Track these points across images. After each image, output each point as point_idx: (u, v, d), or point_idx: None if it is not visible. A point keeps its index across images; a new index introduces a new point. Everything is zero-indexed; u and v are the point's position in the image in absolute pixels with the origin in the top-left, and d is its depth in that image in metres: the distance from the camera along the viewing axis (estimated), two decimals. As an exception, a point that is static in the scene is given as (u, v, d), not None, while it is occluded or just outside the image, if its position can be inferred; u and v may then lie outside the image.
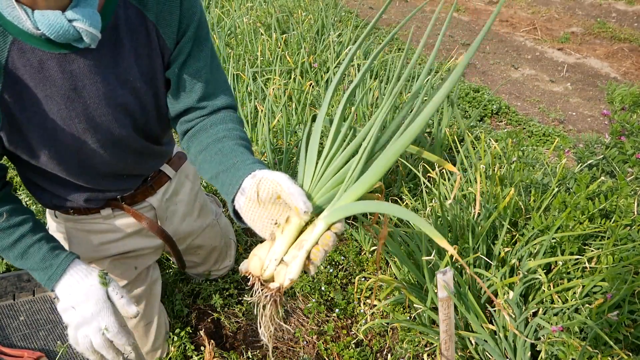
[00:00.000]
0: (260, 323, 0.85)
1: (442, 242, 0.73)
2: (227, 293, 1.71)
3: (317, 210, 0.86)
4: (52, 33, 0.86)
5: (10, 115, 0.95)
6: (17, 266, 1.04)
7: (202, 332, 1.49)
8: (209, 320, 1.63)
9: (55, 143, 1.02)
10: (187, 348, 1.50)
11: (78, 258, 1.03)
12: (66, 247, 1.28)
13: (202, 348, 1.51)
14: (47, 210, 1.34)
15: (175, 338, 1.49)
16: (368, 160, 0.86)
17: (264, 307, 0.83)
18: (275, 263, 0.82)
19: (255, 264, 0.83)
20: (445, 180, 1.86)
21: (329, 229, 0.82)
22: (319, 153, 0.91)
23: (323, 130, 0.85)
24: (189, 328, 1.55)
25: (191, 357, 1.49)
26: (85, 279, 0.99)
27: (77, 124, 1.01)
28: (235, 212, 0.89)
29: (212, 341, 1.44)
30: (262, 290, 0.82)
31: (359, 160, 0.85)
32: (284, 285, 0.81)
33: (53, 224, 1.34)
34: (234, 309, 1.67)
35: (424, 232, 1.02)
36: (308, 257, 0.82)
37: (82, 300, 0.97)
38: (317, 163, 0.90)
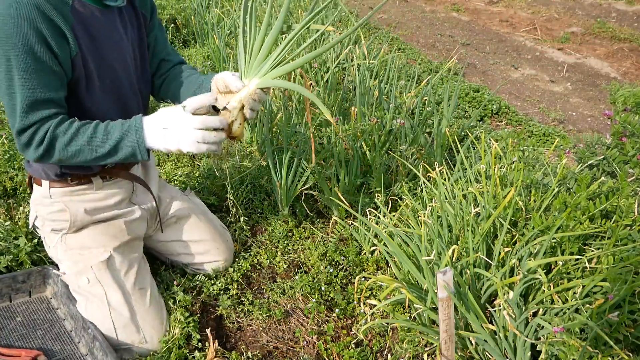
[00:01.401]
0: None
1: (329, 115, 1.21)
2: (229, 293, 1.71)
3: (249, 80, 1.35)
4: None
5: (79, 45, 1.30)
6: (106, 150, 1.31)
7: (208, 332, 1.49)
8: (212, 317, 1.63)
9: (100, 73, 1.38)
10: (192, 336, 1.50)
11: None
12: (65, 217, 1.51)
13: (206, 344, 1.51)
14: (38, 193, 1.54)
15: (182, 319, 1.52)
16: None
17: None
18: (237, 124, 1.35)
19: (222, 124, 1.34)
20: (445, 180, 1.86)
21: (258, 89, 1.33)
22: (245, 50, 1.38)
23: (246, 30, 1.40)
24: (196, 317, 1.57)
25: (195, 347, 1.49)
26: (160, 113, 1.33)
27: (113, 58, 1.41)
28: (213, 107, 1.37)
29: (216, 340, 1.44)
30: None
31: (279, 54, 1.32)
32: (234, 135, 1.36)
33: (48, 201, 1.52)
34: (236, 309, 1.67)
35: (325, 116, 1.47)
36: (243, 108, 1.33)
37: (168, 121, 1.31)
38: (245, 59, 1.37)
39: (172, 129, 1.30)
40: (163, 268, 1.81)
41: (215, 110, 1.38)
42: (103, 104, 1.42)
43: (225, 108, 1.33)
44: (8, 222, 1.81)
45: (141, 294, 1.52)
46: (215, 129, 1.30)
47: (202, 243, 1.75)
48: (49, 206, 1.51)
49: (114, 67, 1.41)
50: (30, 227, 1.65)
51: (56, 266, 1.60)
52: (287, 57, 1.34)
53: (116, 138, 1.30)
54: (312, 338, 1.60)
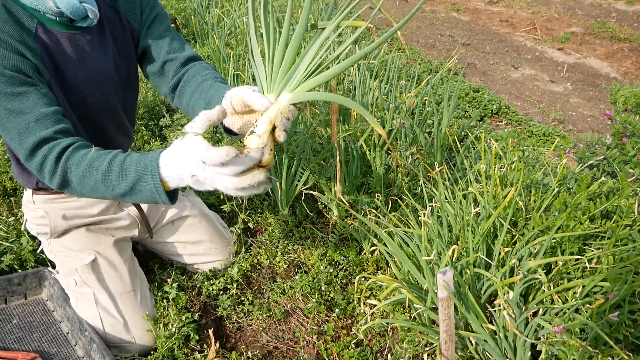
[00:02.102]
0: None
1: (381, 131, 1.06)
2: (229, 293, 1.71)
3: (277, 95, 1.11)
4: (68, 9, 1.22)
5: (48, 70, 1.25)
6: (122, 192, 1.08)
7: (210, 332, 1.49)
8: (212, 319, 1.63)
9: (69, 100, 1.32)
10: (191, 337, 1.50)
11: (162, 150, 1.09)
12: (46, 222, 1.52)
13: (205, 344, 1.51)
14: (25, 198, 1.57)
15: (181, 319, 1.51)
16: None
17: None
18: (267, 150, 1.05)
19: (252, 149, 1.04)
20: (445, 180, 1.86)
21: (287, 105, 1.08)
22: (262, 60, 1.16)
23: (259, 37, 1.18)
24: (197, 316, 1.57)
25: (195, 349, 1.49)
26: (177, 147, 1.02)
27: (81, 87, 1.34)
28: (226, 129, 1.19)
29: (217, 342, 1.44)
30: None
31: (309, 65, 1.10)
32: (263, 164, 1.04)
33: (31, 207, 1.55)
34: (236, 309, 1.67)
35: (374, 128, 1.32)
36: (274, 129, 1.06)
37: (187, 151, 1.00)
38: (264, 65, 1.14)
39: (197, 176, 1.01)
40: (157, 267, 1.81)
41: (228, 133, 1.17)
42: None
43: (252, 132, 1.05)
44: (12, 219, 1.82)
45: (129, 296, 1.52)
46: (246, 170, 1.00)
47: (200, 244, 1.75)
48: (33, 211, 1.55)
49: (82, 93, 1.35)
50: (23, 228, 1.68)
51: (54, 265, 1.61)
52: (321, 63, 1.11)
53: (132, 179, 1.06)
54: (312, 338, 1.60)
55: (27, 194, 1.55)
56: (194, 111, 1.31)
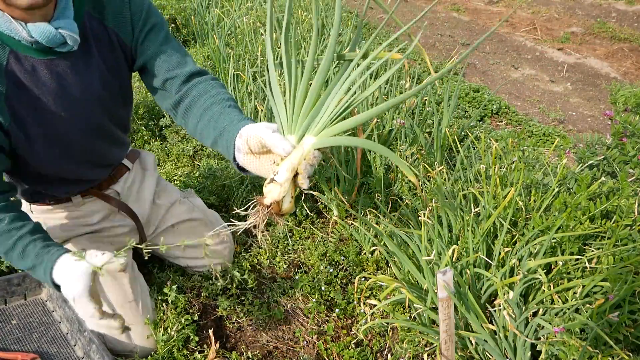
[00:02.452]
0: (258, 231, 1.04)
1: (413, 178, 0.99)
2: (228, 293, 1.71)
3: (299, 137, 1.04)
4: (43, 39, 1.12)
5: (14, 112, 1.17)
6: (21, 268, 1.21)
7: (210, 332, 1.49)
8: (212, 319, 1.63)
9: (46, 131, 1.24)
10: (190, 338, 1.50)
11: (67, 252, 1.18)
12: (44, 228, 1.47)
13: (205, 345, 1.51)
14: (24, 209, 1.50)
15: (180, 320, 1.51)
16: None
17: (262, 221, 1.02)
18: (288, 199, 1.01)
19: (271, 196, 1.01)
20: (445, 180, 1.86)
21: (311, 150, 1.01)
22: (282, 94, 1.07)
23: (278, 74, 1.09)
24: (196, 316, 1.57)
25: (194, 350, 1.49)
26: (72, 264, 1.14)
27: (62, 113, 1.24)
28: (240, 167, 1.11)
29: (217, 342, 1.44)
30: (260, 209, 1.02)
31: (339, 109, 1.02)
32: (283, 212, 1.01)
33: (31, 216, 1.48)
34: (236, 309, 1.67)
35: (401, 170, 1.24)
36: (297, 174, 0.99)
37: (70, 280, 1.13)
38: (285, 108, 1.05)
39: (69, 292, 1.14)
40: (156, 269, 1.81)
41: (240, 169, 1.10)
42: (50, 159, 1.31)
43: (273, 180, 1.00)
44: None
45: (130, 305, 1.51)
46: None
47: (200, 246, 1.74)
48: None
49: (63, 119, 1.26)
50: None
51: None
52: (350, 103, 1.02)
53: (29, 264, 1.18)
54: (312, 338, 1.60)
55: (25, 204, 1.53)
56: (203, 138, 1.23)
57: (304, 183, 0.99)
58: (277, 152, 1.00)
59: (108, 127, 1.42)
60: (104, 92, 1.32)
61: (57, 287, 1.18)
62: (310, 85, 1.02)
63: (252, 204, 0.97)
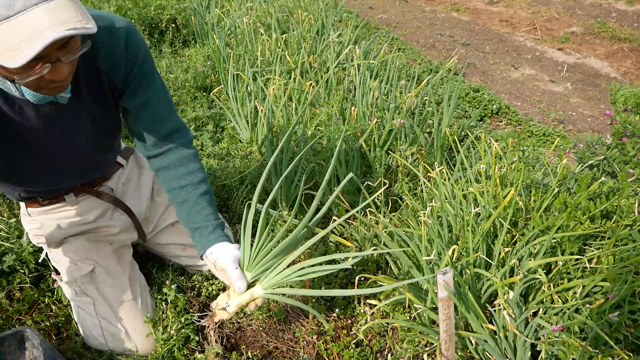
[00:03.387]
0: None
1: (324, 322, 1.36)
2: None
3: (253, 279, 1.33)
4: (34, 100, 1.11)
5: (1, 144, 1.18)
6: None
7: (212, 332, 1.49)
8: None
9: (34, 162, 1.27)
10: (190, 338, 1.50)
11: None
12: (41, 232, 1.52)
13: (205, 345, 1.51)
14: (21, 211, 1.57)
15: (179, 323, 1.51)
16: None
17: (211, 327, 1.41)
18: (224, 315, 1.35)
19: (215, 305, 1.38)
20: (445, 180, 1.86)
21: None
22: (252, 240, 1.34)
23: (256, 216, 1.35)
24: (195, 317, 1.57)
25: (195, 349, 1.49)
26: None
27: (50, 149, 1.27)
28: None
29: (217, 342, 1.44)
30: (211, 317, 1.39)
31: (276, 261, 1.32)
32: (216, 319, 1.37)
33: (28, 219, 1.55)
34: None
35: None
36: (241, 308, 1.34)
37: None
38: (250, 249, 1.32)
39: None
40: (156, 269, 1.80)
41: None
42: (33, 177, 1.34)
43: (224, 309, 1.33)
44: (13, 220, 1.82)
45: (130, 304, 1.51)
46: None
47: None
48: (30, 223, 1.54)
49: (47, 155, 1.28)
50: (24, 240, 1.69)
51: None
52: (303, 274, 1.27)
53: None
54: (312, 338, 1.60)
55: (22, 206, 1.54)
56: (176, 210, 1.45)
57: (247, 312, 1.40)
58: (233, 287, 1.29)
59: (96, 155, 1.45)
60: (92, 129, 1.32)
61: None
62: (277, 244, 1.29)
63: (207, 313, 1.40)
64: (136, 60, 1.26)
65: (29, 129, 1.19)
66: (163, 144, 1.39)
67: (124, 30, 1.21)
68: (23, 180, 1.34)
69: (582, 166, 1.73)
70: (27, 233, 1.62)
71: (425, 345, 1.52)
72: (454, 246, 1.46)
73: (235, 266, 1.30)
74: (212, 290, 1.70)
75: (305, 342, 1.59)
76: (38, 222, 1.52)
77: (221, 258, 1.31)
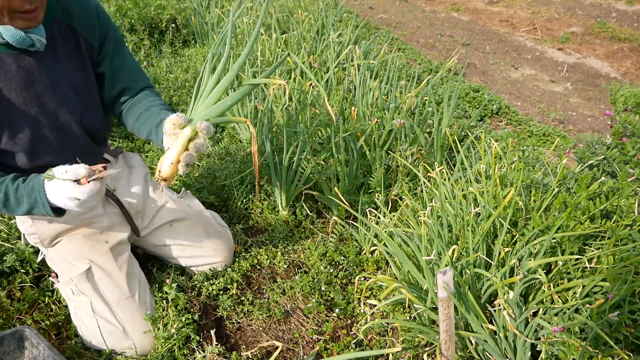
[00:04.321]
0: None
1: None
2: (229, 293, 1.71)
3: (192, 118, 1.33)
4: (14, 40, 1.22)
5: None
6: (31, 214, 1.29)
7: (212, 333, 1.49)
8: (212, 319, 1.63)
9: (14, 126, 1.31)
10: (191, 338, 1.50)
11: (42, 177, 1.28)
12: (34, 230, 1.52)
13: (205, 344, 1.51)
14: None
15: (180, 322, 1.51)
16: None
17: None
18: (167, 163, 1.27)
19: (159, 163, 1.29)
20: (445, 180, 1.86)
21: (196, 133, 1.28)
22: (196, 95, 1.44)
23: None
24: (197, 316, 1.56)
25: (195, 349, 1.49)
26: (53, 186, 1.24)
27: (30, 108, 1.31)
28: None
29: (217, 342, 1.44)
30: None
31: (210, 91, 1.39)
32: (161, 176, 1.28)
33: (21, 218, 1.55)
34: (236, 309, 1.67)
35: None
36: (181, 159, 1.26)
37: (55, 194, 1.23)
38: (194, 100, 1.43)
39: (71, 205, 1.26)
40: (156, 269, 1.81)
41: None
42: (17, 148, 1.34)
43: (168, 159, 1.30)
44: (13, 220, 1.82)
45: (127, 302, 1.51)
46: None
47: (198, 245, 1.74)
48: (24, 222, 1.54)
49: (26, 113, 1.31)
50: (22, 242, 1.68)
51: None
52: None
53: (27, 207, 1.27)
54: (312, 338, 1.60)
55: None
56: (140, 131, 1.48)
57: (180, 169, 1.26)
58: (174, 120, 1.26)
59: (76, 132, 1.44)
60: (70, 90, 1.39)
61: (61, 210, 1.29)
62: (210, 92, 1.37)
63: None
64: (109, 25, 1.44)
65: (9, 83, 1.27)
66: (136, 95, 1.55)
67: (93, 0, 1.42)
68: (16, 146, 1.34)
69: (582, 166, 1.73)
70: (23, 235, 1.62)
71: (425, 345, 1.52)
72: (454, 246, 1.46)
73: (175, 114, 1.31)
74: (213, 290, 1.70)
75: (305, 342, 1.59)
76: (30, 221, 1.51)
77: (166, 120, 1.31)
